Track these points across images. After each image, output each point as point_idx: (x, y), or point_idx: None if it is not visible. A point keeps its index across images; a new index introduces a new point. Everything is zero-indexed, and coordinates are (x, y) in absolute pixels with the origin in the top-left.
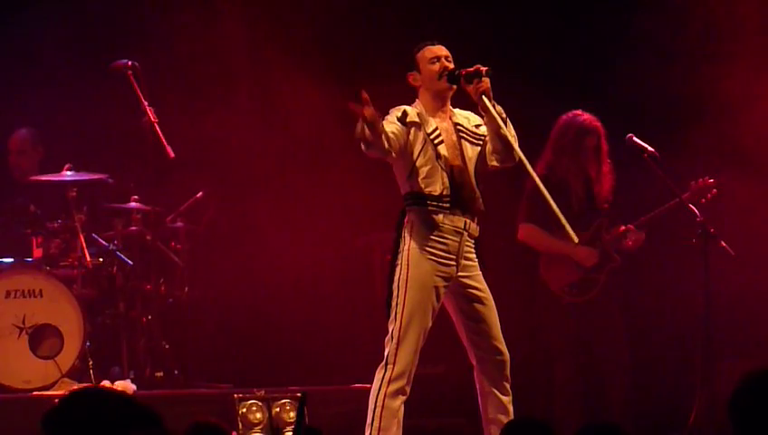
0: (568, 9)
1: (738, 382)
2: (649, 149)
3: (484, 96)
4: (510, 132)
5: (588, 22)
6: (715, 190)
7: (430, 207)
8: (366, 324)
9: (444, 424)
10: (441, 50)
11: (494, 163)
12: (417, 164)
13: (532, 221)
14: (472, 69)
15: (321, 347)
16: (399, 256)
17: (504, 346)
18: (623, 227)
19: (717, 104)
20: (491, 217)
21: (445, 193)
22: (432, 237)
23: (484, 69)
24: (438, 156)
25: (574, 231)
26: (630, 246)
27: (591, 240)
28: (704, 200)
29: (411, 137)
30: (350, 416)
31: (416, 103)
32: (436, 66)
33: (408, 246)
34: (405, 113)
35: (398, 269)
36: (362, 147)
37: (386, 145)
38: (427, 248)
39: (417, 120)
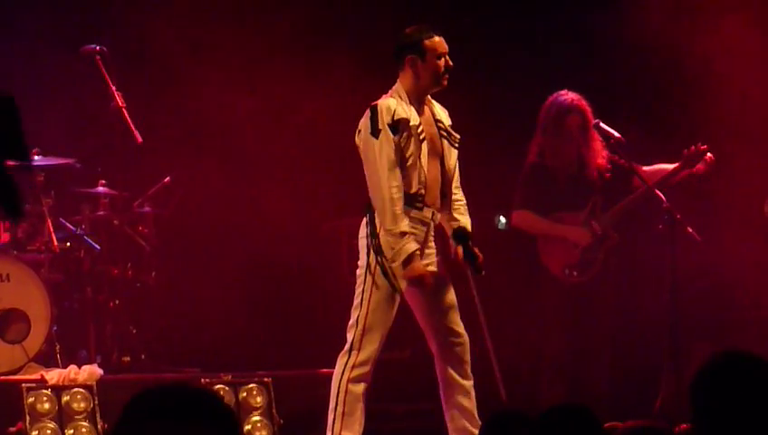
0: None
1: (701, 365)
2: (616, 135)
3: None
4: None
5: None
6: (709, 155)
7: (405, 202)
8: (332, 309)
9: (411, 409)
10: (446, 45)
11: None
12: (399, 163)
13: (525, 207)
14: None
15: (288, 332)
16: (368, 247)
17: (463, 329)
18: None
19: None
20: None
21: (420, 192)
22: None
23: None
24: (420, 152)
25: (569, 211)
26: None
27: (587, 219)
28: (702, 166)
29: (402, 140)
30: (317, 400)
31: (396, 89)
32: (442, 63)
33: (377, 238)
34: (394, 116)
35: (365, 259)
36: (376, 188)
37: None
38: None
39: (404, 115)
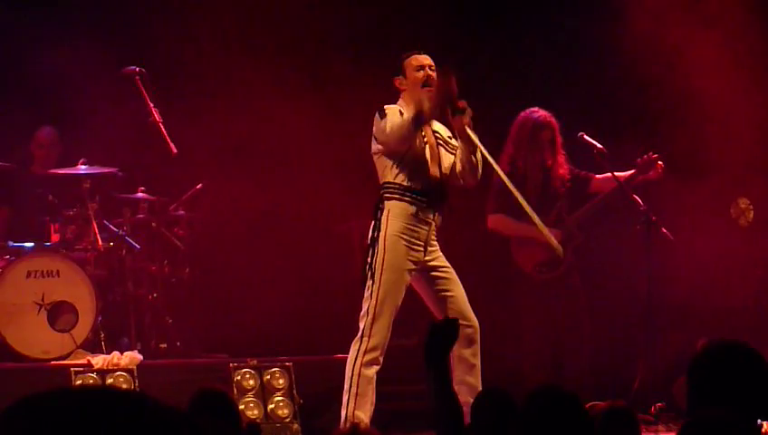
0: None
1: (699, 352)
2: (598, 146)
3: (467, 128)
4: (482, 154)
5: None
6: (660, 163)
7: (411, 200)
8: (346, 301)
9: (417, 390)
10: (426, 59)
11: (459, 182)
12: (407, 159)
13: (500, 211)
14: (458, 104)
15: (307, 322)
16: (377, 241)
17: (473, 316)
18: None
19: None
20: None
21: (425, 189)
22: (407, 226)
23: (464, 104)
24: (424, 153)
25: (537, 215)
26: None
27: (555, 222)
28: (652, 174)
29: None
30: (332, 382)
31: (401, 104)
32: (421, 74)
33: (385, 232)
34: (401, 112)
35: (374, 252)
36: (406, 130)
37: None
38: (402, 235)
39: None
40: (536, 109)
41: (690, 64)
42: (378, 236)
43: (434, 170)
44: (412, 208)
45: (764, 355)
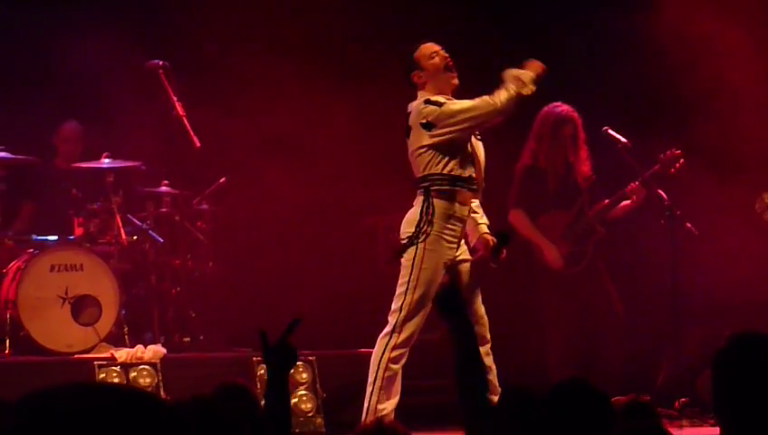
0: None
1: (724, 343)
2: (623, 140)
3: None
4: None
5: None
6: (681, 160)
7: (462, 188)
8: (369, 296)
9: (439, 384)
10: (433, 45)
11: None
12: (456, 147)
13: (520, 206)
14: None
15: (331, 316)
16: (417, 239)
17: (484, 312)
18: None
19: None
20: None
21: (473, 177)
22: (448, 225)
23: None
24: (471, 144)
25: (559, 210)
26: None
27: (577, 216)
28: (673, 170)
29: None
30: (355, 376)
31: (430, 94)
32: (437, 60)
33: (428, 231)
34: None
35: (415, 250)
36: (504, 109)
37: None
38: (443, 235)
39: None
40: (559, 103)
41: (719, 55)
42: (420, 233)
43: (475, 159)
44: (455, 207)
45: None
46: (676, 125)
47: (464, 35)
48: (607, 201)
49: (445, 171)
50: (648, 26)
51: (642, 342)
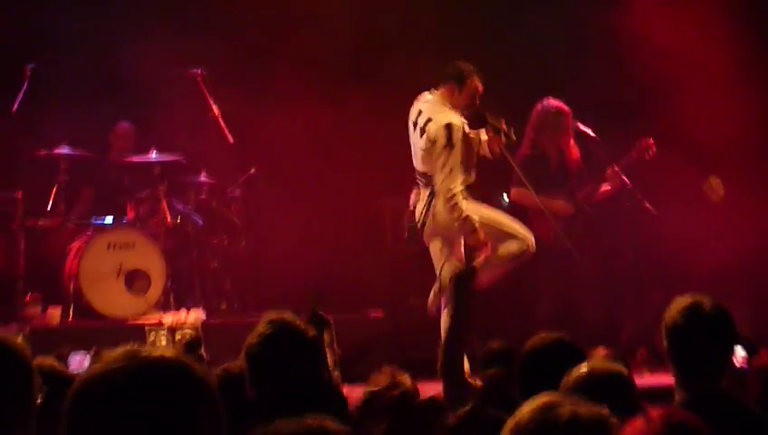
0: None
1: (670, 308)
2: (591, 134)
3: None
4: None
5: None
6: (654, 147)
7: (468, 196)
8: (378, 269)
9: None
10: (481, 85)
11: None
12: (469, 156)
13: (521, 185)
14: (499, 125)
15: (344, 285)
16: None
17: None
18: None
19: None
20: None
21: (474, 181)
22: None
23: (505, 129)
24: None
25: (553, 191)
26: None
27: (567, 197)
28: (647, 156)
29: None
30: (366, 336)
31: (448, 108)
32: (476, 98)
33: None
34: (463, 128)
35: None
36: (448, 201)
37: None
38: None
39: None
40: (550, 98)
41: (674, 52)
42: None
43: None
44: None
45: (729, 309)
46: (646, 114)
47: (463, 39)
48: (590, 186)
49: (462, 180)
50: (625, 18)
51: (609, 304)
